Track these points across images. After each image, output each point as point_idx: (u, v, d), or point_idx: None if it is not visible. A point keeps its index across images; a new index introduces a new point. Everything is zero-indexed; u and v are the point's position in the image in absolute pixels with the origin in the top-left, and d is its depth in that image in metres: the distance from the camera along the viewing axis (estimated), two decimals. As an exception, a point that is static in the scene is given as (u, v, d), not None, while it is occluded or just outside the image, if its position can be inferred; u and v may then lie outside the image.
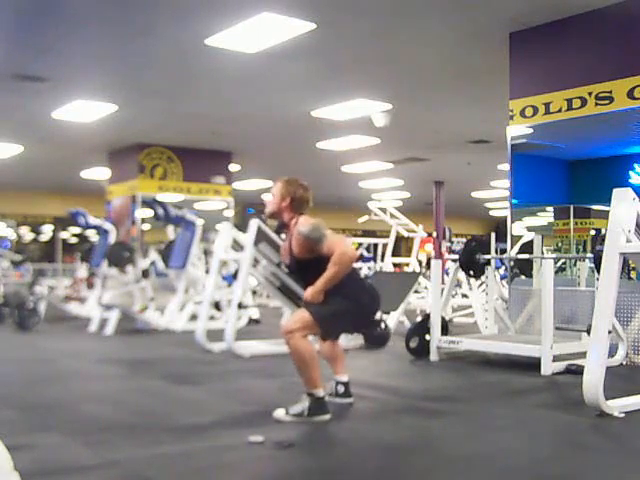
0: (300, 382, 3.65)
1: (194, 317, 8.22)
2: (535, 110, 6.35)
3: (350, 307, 3.73)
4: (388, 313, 7.61)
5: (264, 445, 3.09)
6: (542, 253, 6.39)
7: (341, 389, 4.01)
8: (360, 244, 13.65)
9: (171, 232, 10.28)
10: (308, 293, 3.68)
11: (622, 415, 3.66)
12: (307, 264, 3.77)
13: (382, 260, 11.31)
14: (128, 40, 6.98)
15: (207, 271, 9.03)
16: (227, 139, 12.06)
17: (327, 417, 3.61)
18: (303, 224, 3.74)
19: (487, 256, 6.19)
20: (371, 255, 13.76)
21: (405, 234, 11.07)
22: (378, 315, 6.65)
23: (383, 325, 6.71)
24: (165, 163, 12.59)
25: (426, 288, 10.11)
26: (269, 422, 3.53)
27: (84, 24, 6.54)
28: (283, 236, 4.69)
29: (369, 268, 12.59)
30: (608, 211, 3.85)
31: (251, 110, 9.85)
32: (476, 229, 24.19)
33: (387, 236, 10.93)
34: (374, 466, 2.91)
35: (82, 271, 11.91)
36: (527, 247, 6.62)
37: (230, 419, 3.70)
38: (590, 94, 5.97)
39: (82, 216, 10.32)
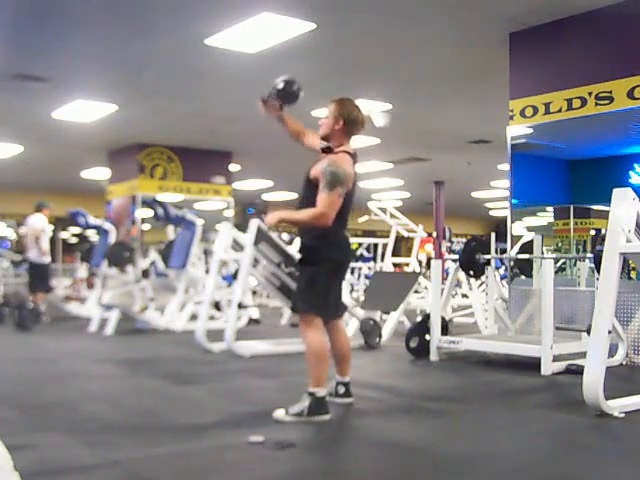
0: (300, 382, 3.65)
1: (194, 317, 8.22)
2: (535, 110, 6.35)
3: (327, 270, 3.71)
4: (388, 313, 7.61)
5: (264, 445, 3.08)
6: (542, 253, 6.39)
7: (341, 389, 4.00)
8: (360, 244, 13.64)
9: (171, 232, 10.28)
10: (269, 215, 3.70)
11: (622, 415, 3.66)
12: (309, 188, 3.78)
13: (382, 260, 11.30)
14: (128, 40, 6.98)
15: (207, 271, 9.03)
16: (227, 139, 12.06)
17: (327, 417, 3.60)
18: (335, 162, 3.71)
19: (487, 256, 6.19)
20: (371, 255, 13.76)
21: (405, 234, 11.05)
22: None
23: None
24: (165, 163, 12.58)
25: (426, 288, 10.10)
26: (269, 422, 3.53)
27: (84, 24, 6.54)
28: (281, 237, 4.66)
29: (369, 268, 12.60)
30: (608, 211, 3.85)
31: (251, 110, 9.74)
32: (476, 229, 24.17)
33: (387, 236, 10.92)
34: (374, 466, 2.91)
35: (82, 271, 11.93)
36: (527, 247, 6.61)
37: (230, 419, 3.70)
38: (590, 94, 5.97)
39: (82, 216, 10.32)
